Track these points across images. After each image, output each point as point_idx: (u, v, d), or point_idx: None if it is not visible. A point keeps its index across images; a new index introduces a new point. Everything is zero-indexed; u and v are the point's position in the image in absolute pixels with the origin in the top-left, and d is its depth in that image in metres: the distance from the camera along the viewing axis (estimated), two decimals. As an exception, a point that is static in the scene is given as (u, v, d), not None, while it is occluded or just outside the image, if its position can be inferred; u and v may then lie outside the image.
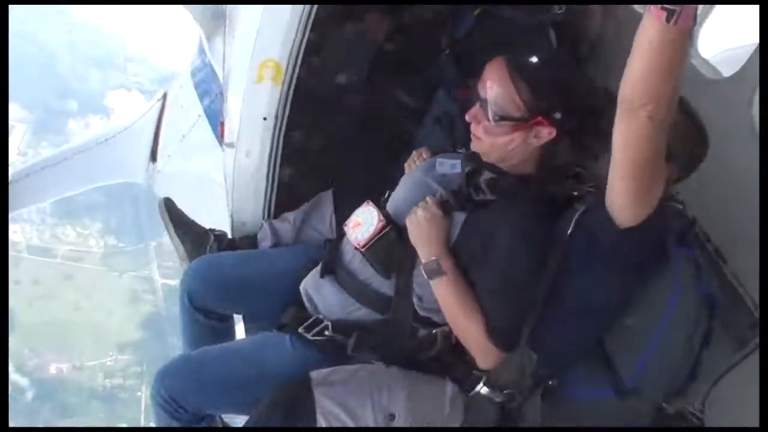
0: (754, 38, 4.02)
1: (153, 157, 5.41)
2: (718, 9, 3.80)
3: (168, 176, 5.25)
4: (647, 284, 2.63)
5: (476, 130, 2.76)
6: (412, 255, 2.79)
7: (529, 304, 2.62)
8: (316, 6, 2.98)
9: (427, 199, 2.77)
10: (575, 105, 2.66)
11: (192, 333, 3.51)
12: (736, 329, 3.38)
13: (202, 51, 5.00)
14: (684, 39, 2.01)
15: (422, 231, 2.72)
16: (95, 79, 52.99)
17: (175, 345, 39.53)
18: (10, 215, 5.95)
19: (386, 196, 3.12)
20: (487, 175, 2.78)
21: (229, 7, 4.39)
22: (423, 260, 2.72)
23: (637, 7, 3.72)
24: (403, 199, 2.94)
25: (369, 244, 2.84)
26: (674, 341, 2.63)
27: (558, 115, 2.64)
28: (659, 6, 1.93)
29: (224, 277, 3.39)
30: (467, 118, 2.78)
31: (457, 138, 3.25)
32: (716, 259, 3.58)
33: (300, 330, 2.99)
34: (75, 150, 5.80)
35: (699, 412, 2.89)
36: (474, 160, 2.80)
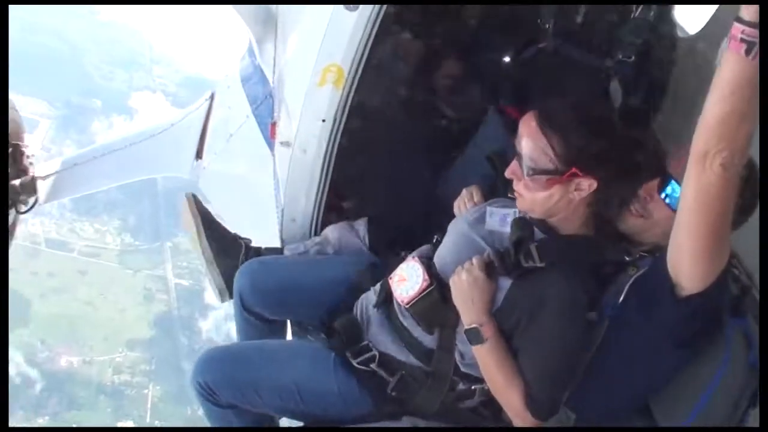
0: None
1: (198, 154, 5.52)
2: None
3: (213, 173, 5.35)
4: (698, 354, 2.55)
5: (517, 186, 2.71)
6: (456, 313, 2.74)
7: (571, 377, 2.60)
8: (381, 15, 3.07)
9: (473, 260, 2.70)
10: (613, 155, 2.58)
11: (245, 332, 3.56)
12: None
13: (252, 53, 5.11)
14: (758, 77, 1.94)
15: (464, 295, 2.68)
16: (120, 79, 53.53)
17: (185, 345, 39.75)
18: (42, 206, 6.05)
19: (435, 241, 3.10)
20: (538, 235, 2.71)
21: (281, 12, 4.53)
22: (465, 325, 2.69)
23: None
24: (450, 256, 2.87)
25: (413, 302, 2.80)
26: (718, 408, 2.55)
27: (596, 166, 2.56)
28: (738, 39, 1.90)
29: (275, 282, 3.42)
30: (507, 174, 2.73)
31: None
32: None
33: (348, 354, 2.99)
34: (124, 142, 5.91)
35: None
36: (522, 226, 2.71)
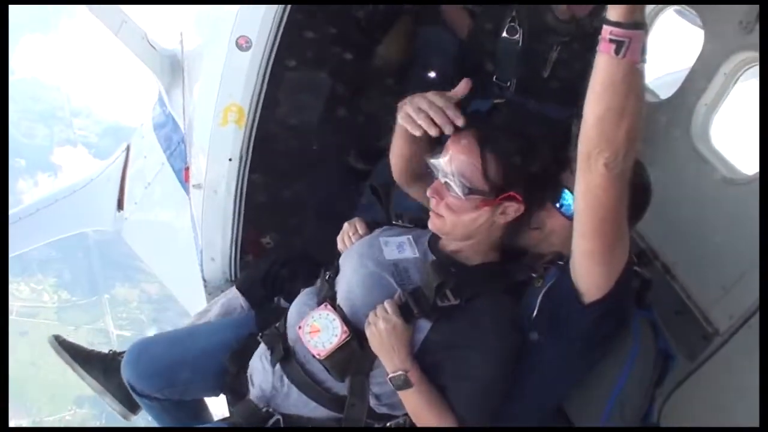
0: (683, 64, 4.34)
1: (120, 205, 5.57)
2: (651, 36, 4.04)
3: (135, 223, 5.40)
4: (607, 353, 2.58)
5: (437, 207, 2.61)
6: (372, 359, 2.63)
7: (500, 399, 2.55)
8: (274, 52, 3.17)
9: (386, 306, 2.55)
10: (545, 180, 2.56)
11: (159, 417, 3.45)
12: (685, 341, 3.62)
13: (162, 102, 5.18)
14: (635, 76, 1.97)
15: (385, 344, 2.53)
16: (41, 135, 52.56)
17: (134, 397, 39.00)
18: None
19: (327, 278, 2.88)
20: (451, 282, 2.56)
21: (186, 59, 4.61)
22: (389, 372, 2.55)
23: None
24: (360, 299, 2.67)
25: (330, 354, 2.63)
26: (632, 398, 2.61)
27: (528, 191, 2.53)
28: (608, 39, 1.92)
29: (157, 362, 3.27)
30: (428, 193, 2.62)
31: (391, 210, 3.09)
32: (664, 274, 3.85)
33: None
34: (47, 201, 5.95)
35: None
36: (441, 271, 2.59)
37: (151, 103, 5.56)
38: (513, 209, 2.55)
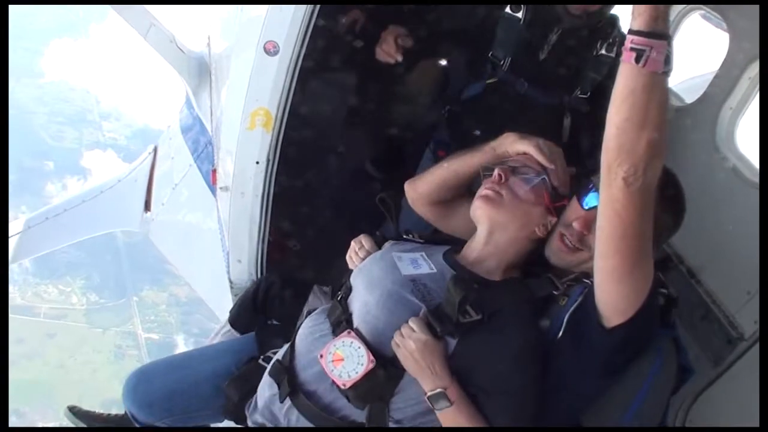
0: (709, 68, 4.33)
1: (147, 206, 5.65)
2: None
3: (162, 224, 5.48)
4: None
5: (499, 186, 2.64)
6: (394, 386, 2.52)
7: (536, 406, 2.47)
8: (302, 56, 3.20)
9: (412, 324, 2.45)
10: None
11: None
12: (712, 347, 3.62)
13: (189, 104, 5.25)
14: (656, 86, 1.92)
15: (420, 362, 2.42)
16: (70, 138, 53.07)
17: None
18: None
19: (338, 298, 2.75)
20: (473, 296, 2.47)
21: (214, 62, 4.67)
22: (426, 391, 2.44)
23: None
24: (383, 322, 2.54)
25: (356, 384, 2.50)
26: (648, 410, 2.58)
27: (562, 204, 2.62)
28: (629, 48, 1.89)
29: (156, 390, 3.21)
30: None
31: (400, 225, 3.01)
32: (689, 279, 3.84)
33: None
34: (75, 201, 6.05)
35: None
36: (463, 285, 2.47)
37: (179, 106, 5.64)
38: (549, 222, 2.61)
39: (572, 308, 2.49)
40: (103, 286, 44.13)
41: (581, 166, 2.88)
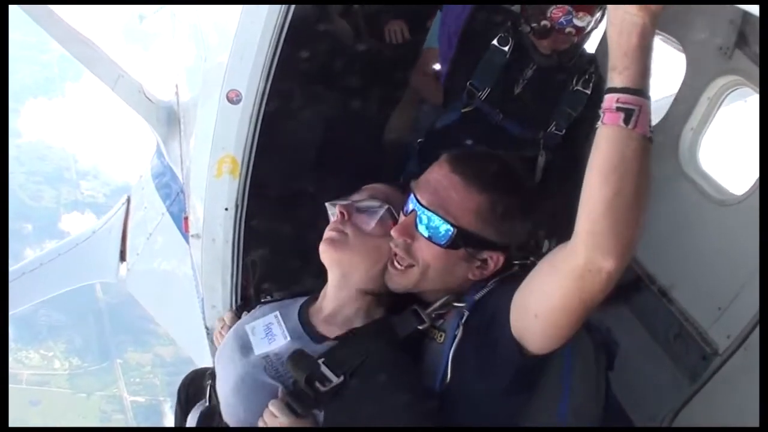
0: (666, 91, 4.43)
1: (122, 256, 5.68)
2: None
3: (138, 273, 5.50)
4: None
5: (345, 226, 2.46)
6: None
7: None
8: (264, 104, 3.24)
9: (272, 409, 2.24)
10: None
11: None
12: (686, 363, 3.66)
13: (160, 153, 5.29)
14: (646, 152, 1.69)
15: None
16: (48, 197, 52.75)
17: (145, 466, 38.42)
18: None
19: (208, 395, 2.64)
20: (317, 349, 2.35)
21: (183, 111, 4.72)
22: None
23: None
24: (244, 412, 2.36)
25: None
26: (580, 399, 2.33)
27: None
28: (614, 108, 1.66)
29: None
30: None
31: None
32: (661, 298, 3.90)
33: None
34: (50, 255, 6.07)
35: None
36: (302, 362, 2.28)
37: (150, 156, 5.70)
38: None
39: (454, 345, 2.26)
40: (85, 349, 43.35)
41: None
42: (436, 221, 2.28)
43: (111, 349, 42.63)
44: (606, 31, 1.79)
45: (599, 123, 1.71)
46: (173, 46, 5.29)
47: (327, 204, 2.59)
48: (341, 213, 2.49)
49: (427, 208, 2.29)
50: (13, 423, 39.63)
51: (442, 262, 2.34)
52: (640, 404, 3.41)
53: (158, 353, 42.03)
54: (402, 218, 2.41)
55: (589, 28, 3.75)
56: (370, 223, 2.47)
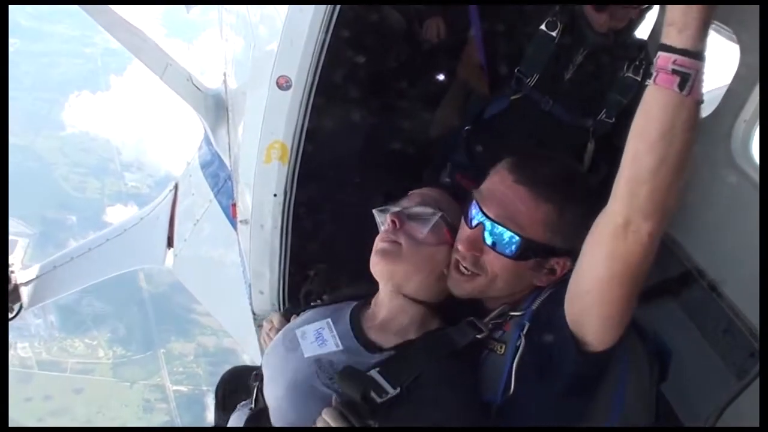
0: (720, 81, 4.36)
1: (170, 243, 5.75)
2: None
3: (185, 259, 5.57)
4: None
5: (398, 235, 2.40)
6: None
7: None
8: (314, 90, 3.24)
9: (326, 418, 2.12)
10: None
11: None
12: (734, 360, 3.59)
13: (208, 141, 5.35)
14: (697, 121, 1.60)
15: None
16: (93, 188, 53.53)
17: (191, 453, 38.77)
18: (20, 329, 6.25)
19: (256, 386, 2.53)
20: (373, 359, 2.29)
21: (231, 98, 4.76)
22: None
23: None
24: (296, 416, 2.27)
25: None
26: (633, 409, 2.27)
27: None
28: (669, 70, 1.55)
29: None
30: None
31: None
32: (711, 293, 3.83)
33: None
34: (99, 240, 6.17)
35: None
36: (355, 377, 2.20)
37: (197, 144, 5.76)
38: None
39: (517, 356, 2.22)
40: (129, 338, 44.05)
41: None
42: (505, 234, 2.28)
43: (154, 338, 43.24)
44: None
45: (650, 81, 1.63)
46: (220, 35, 5.34)
47: (375, 211, 2.54)
48: (393, 222, 2.44)
49: (494, 221, 2.28)
50: (57, 411, 40.41)
51: (510, 272, 2.33)
52: (687, 401, 3.38)
53: (201, 343, 42.59)
54: (466, 230, 2.38)
55: (646, 5, 3.70)
56: (424, 232, 2.43)
